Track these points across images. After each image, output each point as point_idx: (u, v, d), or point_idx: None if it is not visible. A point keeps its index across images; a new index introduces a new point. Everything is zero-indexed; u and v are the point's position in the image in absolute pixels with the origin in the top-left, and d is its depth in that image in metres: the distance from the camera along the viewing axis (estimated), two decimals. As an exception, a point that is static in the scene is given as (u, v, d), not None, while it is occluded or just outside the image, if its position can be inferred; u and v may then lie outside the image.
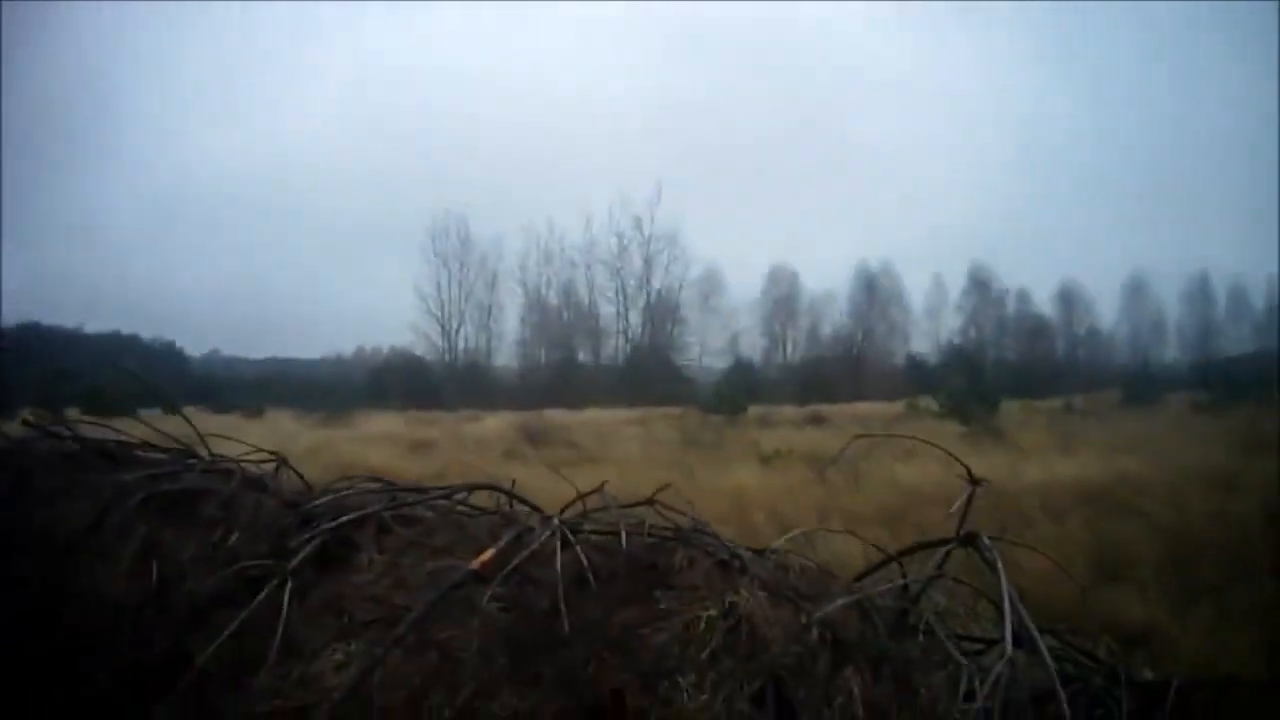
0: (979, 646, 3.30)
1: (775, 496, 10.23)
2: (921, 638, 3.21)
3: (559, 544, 3.41)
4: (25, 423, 4.75)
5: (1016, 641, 2.88)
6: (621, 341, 54.52)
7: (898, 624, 3.29)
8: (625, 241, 53.90)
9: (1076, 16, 70.19)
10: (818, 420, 27.00)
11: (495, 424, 26.40)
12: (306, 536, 3.63)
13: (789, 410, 32.54)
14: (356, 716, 2.83)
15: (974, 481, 3.42)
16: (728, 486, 10.97)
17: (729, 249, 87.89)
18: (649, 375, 46.59)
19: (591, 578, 3.32)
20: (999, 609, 3.04)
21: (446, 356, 53.46)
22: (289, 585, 3.32)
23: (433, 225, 53.64)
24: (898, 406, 32.02)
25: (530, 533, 3.52)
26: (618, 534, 3.58)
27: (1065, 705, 2.67)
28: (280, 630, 3.19)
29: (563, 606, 3.09)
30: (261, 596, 3.29)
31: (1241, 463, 12.17)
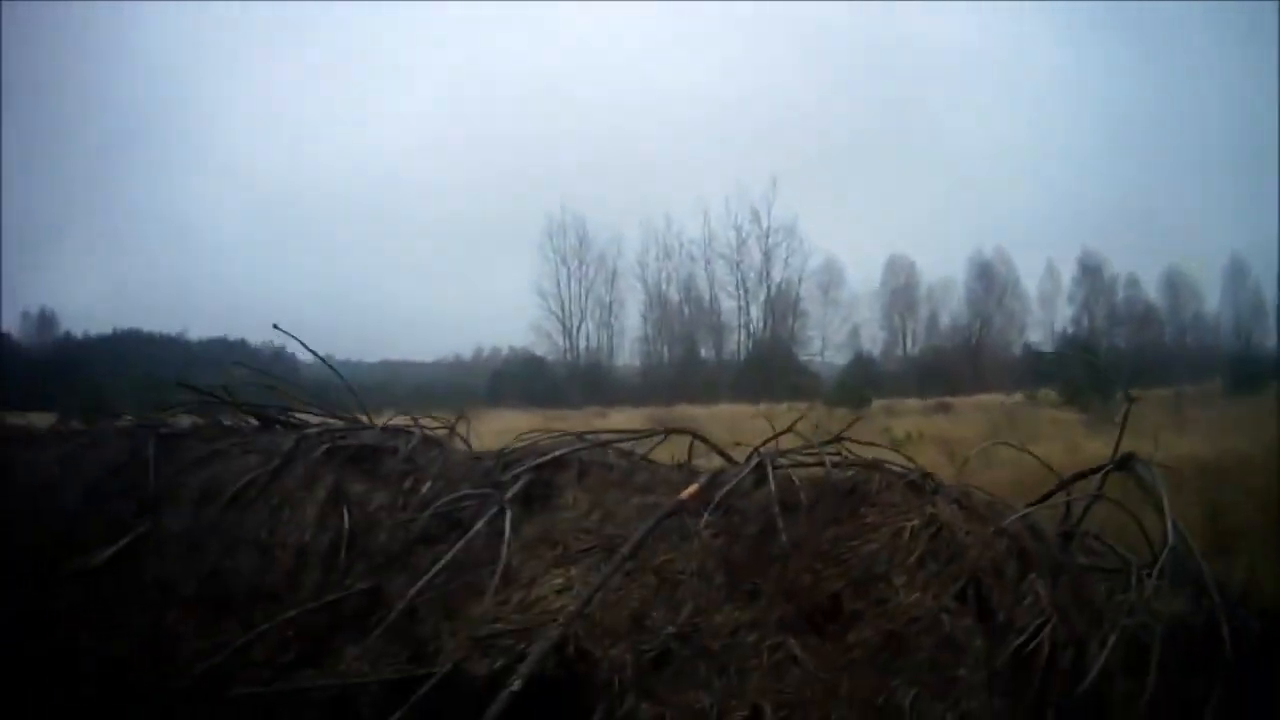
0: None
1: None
2: (1084, 553, 3.52)
3: (764, 475, 3.47)
4: (181, 384, 5.07)
5: (1174, 554, 3.15)
6: (743, 336, 53.99)
7: (1065, 538, 3.54)
8: (744, 235, 53.05)
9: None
10: (944, 409, 26.51)
11: (620, 421, 26.51)
12: (514, 475, 3.74)
13: (912, 402, 32.00)
14: (584, 635, 2.92)
15: (1129, 399, 3.49)
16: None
17: (846, 241, 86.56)
18: (772, 370, 46.01)
19: (802, 498, 3.37)
20: (1144, 531, 3.42)
21: (568, 355, 53.48)
22: (508, 514, 3.43)
23: (549, 224, 53.65)
24: (1017, 398, 31.21)
25: (732, 468, 3.59)
26: (818, 464, 3.62)
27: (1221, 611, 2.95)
28: (502, 560, 3.30)
29: (779, 523, 3.16)
30: (479, 525, 3.42)
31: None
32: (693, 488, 3.40)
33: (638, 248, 54.42)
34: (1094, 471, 3.55)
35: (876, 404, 29.17)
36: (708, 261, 53.84)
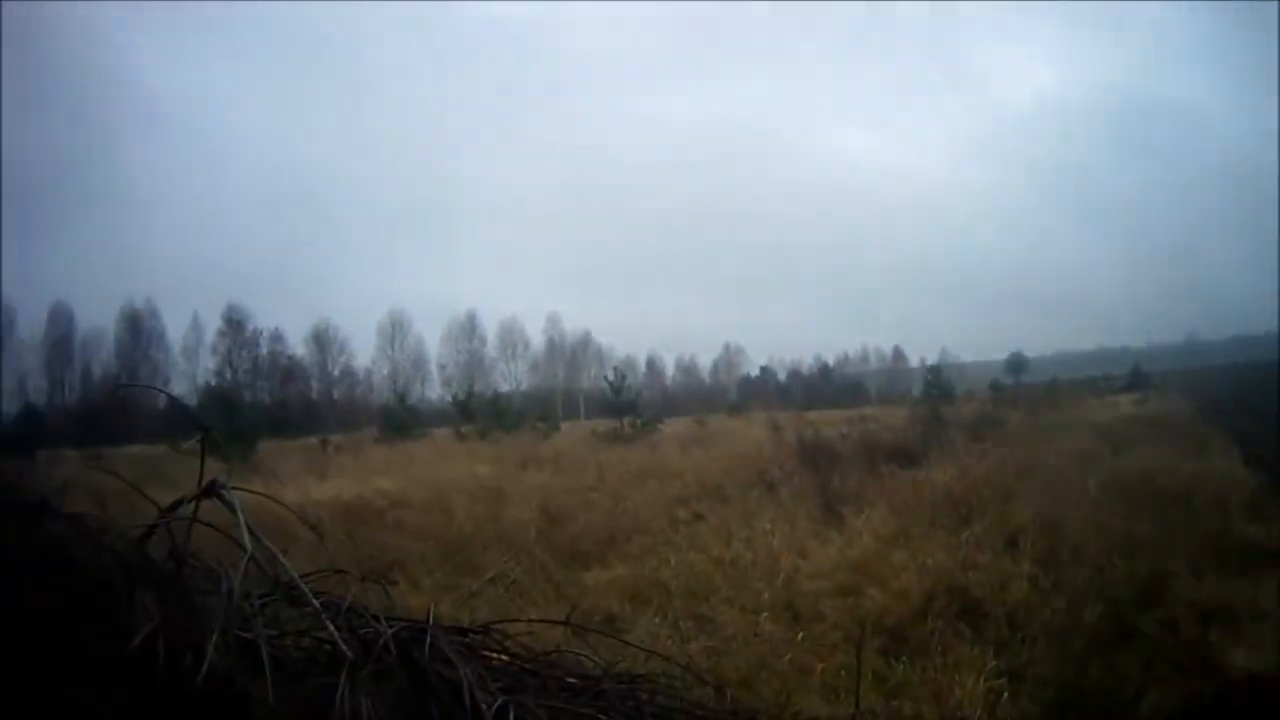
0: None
1: None
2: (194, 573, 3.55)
3: None
4: None
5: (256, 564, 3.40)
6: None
7: (174, 559, 3.53)
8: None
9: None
10: (95, 460, 25.29)
11: None
12: None
13: (71, 452, 29.97)
14: None
15: (206, 430, 4.08)
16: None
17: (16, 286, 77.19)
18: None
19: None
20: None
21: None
22: None
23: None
24: (160, 448, 31.30)
25: None
26: None
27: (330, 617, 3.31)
28: None
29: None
30: None
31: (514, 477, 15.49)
32: None
33: None
34: (189, 500, 3.94)
35: (42, 453, 27.02)
36: None
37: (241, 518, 3.73)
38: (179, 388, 51.90)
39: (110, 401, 48.93)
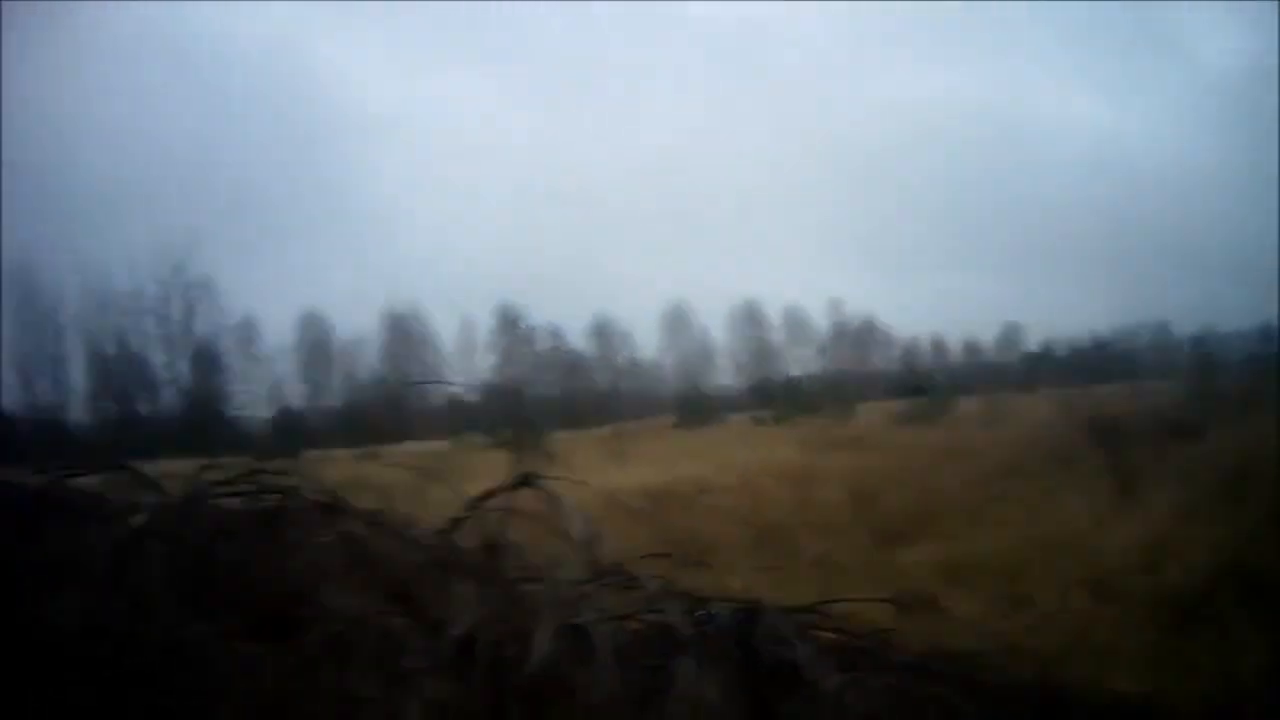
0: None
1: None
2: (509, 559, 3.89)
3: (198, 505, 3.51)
4: None
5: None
6: (173, 391, 50.71)
7: (488, 549, 3.88)
8: (167, 289, 50.03)
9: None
10: (372, 457, 26.71)
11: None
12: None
13: (341, 452, 31.95)
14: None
15: (526, 423, 4.08)
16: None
17: (262, 294, 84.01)
18: (201, 425, 43.78)
19: (232, 523, 3.70)
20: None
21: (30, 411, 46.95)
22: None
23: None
24: (445, 443, 32.58)
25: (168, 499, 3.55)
26: (239, 494, 3.91)
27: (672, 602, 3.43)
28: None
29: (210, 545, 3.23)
30: None
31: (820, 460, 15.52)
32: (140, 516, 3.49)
33: (79, 301, 49.04)
34: (499, 491, 3.94)
35: (309, 455, 28.63)
36: (138, 315, 50.02)
37: (565, 505, 3.72)
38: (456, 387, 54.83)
39: (380, 402, 51.91)
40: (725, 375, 57.15)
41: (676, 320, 57.42)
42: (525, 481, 4.00)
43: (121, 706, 2.88)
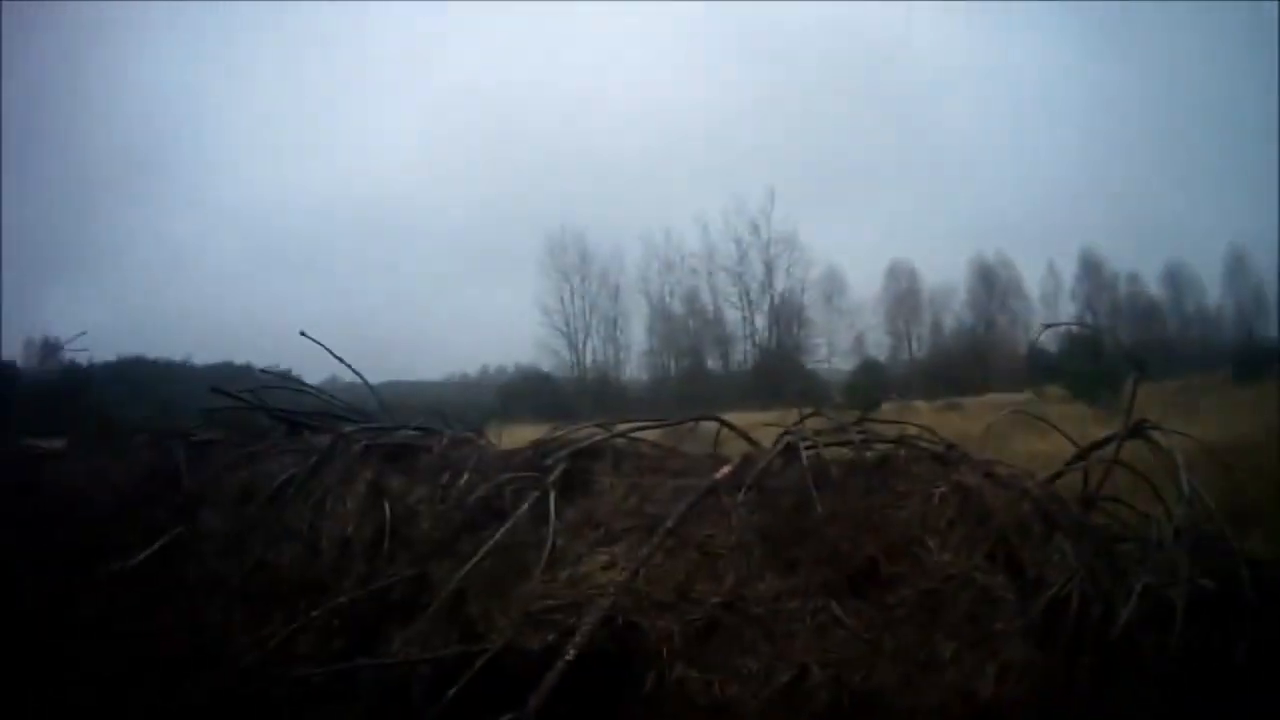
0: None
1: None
2: (1105, 516, 3.74)
3: (794, 455, 3.58)
4: (215, 391, 5.15)
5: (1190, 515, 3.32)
6: (749, 346, 54.17)
7: (1086, 503, 3.70)
8: (744, 247, 53.24)
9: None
10: (954, 408, 26.45)
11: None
12: (551, 461, 3.83)
13: (921, 404, 32.02)
14: (631, 608, 3.02)
15: (1139, 369, 3.66)
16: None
17: (846, 248, 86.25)
18: (779, 377, 45.98)
19: (833, 474, 3.50)
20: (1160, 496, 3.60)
21: (575, 370, 53.70)
22: (551, 496, 3.53)
23: (550, 241, 53.93)
24: (1025, 395, 31.25)
25: (762, 451, 3.70)
26: (846, 443, 3.74)
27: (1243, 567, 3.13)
28: (548, 541, 3.40)
29: (814, 497, 3.27)
30: (523, 509, 3.51)
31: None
32: (727, 468, 3.53)
33: (639, 262, 54.50)
34: (1109, 440, 3.70)
35: (886, 407, 29.21)
36: (710, 274, 53.87)
37: (1177, 459, 3.42)
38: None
39: (963, 352, 51.32)
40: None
41: (1237, 263, 49.60)
42: (1136, 432, 3.73)
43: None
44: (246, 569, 3.79)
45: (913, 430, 3.99)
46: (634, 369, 54.80)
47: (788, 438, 3.79)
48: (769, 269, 52.61)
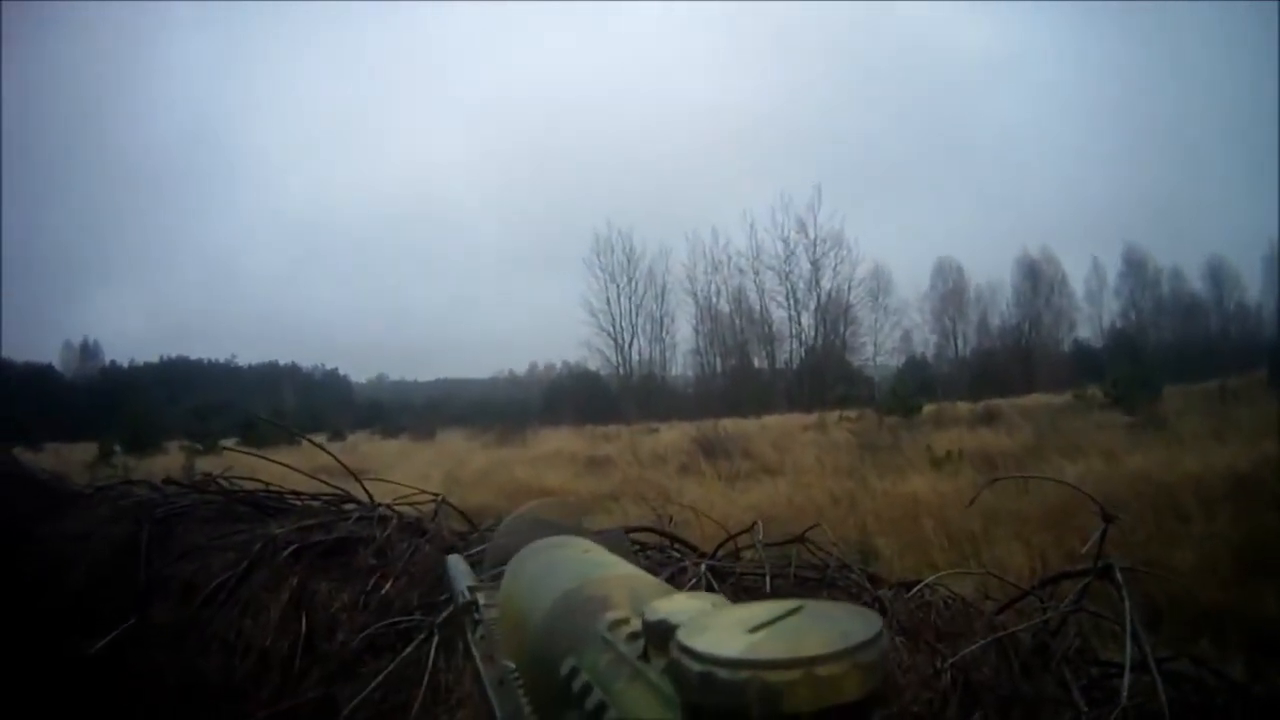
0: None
1: (945, 502, 9.97)
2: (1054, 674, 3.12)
3: (706, 586, 3.34)
4: (168, 481, 4.95)
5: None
6: (795, 345, 53.98)
7: (1035, 658, 3.18)
8: (791, 246, 53.13)
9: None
10: (990, 417, 25.94)
11: (671, 436, 25.89)
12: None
13: (962, 407, 31.50)
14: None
15: (1107, 519, 3.29)
16: (900, 493, 10.79)
17: (892, 247, 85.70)
18: (825, 377, 45.91)
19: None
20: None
21: (621, 370, 53.81)
22: (435, 640, 3.32)
23: (596, 241, 54.17)
24: (1066, 397, 30.71)
25: (682, 573, 3.47)
26: (763, 574, 3.49)
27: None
28: (425, 680, 3.20)
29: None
30: (408, 651, 3.31)
31: None
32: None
33: (686, 261, 54.62)
34: (1069, 576, 3.36)
35: (927, 409, 28.92)
36: (756, 273, 53.87)
37: (1128, 617, 3.01)
38: (1084, 332, 52.46)
39: (1009, 352, 50.79)
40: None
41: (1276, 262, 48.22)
42: (1104, 574, 3.36)
43: None
44: (180, 668, 3.67)
45: (842, 562, 3.68)
46: (680, 368, 55.05)
47: (705, 566, 3.53)
48: (816, 267, 52.66)
